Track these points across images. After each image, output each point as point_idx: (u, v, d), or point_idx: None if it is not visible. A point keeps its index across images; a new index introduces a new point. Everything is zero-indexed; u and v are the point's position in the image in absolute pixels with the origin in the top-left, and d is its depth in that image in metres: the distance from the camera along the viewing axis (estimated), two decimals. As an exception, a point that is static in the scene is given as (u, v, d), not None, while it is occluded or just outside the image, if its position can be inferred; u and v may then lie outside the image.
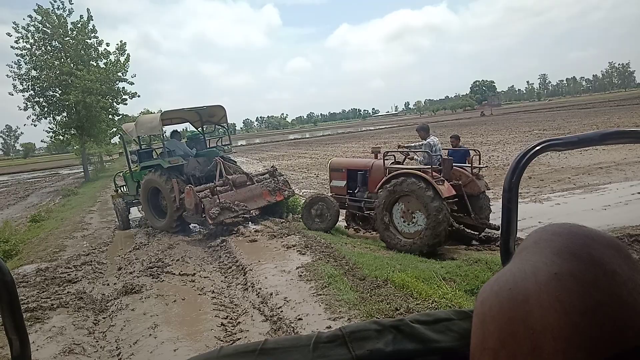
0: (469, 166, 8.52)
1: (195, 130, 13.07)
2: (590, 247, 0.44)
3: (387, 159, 8.99)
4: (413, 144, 9.19)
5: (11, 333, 0.66)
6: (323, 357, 0.54)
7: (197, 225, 10.63)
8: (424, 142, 8.61)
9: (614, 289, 0.40)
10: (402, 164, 8.99)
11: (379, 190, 8.32)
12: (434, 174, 7.84)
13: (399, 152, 9.43)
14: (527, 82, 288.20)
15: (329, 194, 9.85)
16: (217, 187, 9.79)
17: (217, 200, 9.38)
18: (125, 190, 12.81)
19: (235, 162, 12.01)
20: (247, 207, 9.81)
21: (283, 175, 11.34)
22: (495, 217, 9.53)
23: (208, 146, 12.49)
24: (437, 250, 8.20)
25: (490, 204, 10.58)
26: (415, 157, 9.13)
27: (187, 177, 10.90)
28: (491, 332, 0.44)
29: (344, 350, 0.55)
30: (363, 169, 9.39)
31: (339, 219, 9.68)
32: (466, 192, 8.31)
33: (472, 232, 8.29)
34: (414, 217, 7.99)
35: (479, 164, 8.83)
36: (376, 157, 9.29)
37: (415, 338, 0.56)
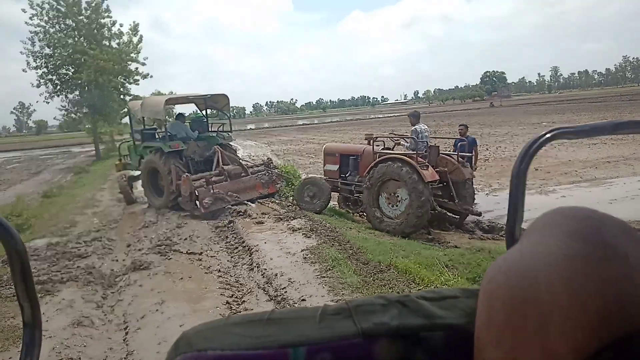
0: (455, 154, 8.87)
1: (199, 112, 13.31)
2: (603, 231, 0.44)
3: (377, 145, 9.42)
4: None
5: (23, 300, 0.67)
6: (329, 329, 0.55)
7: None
8: (412, 128, 8.97)
9: (625, 272, 0.40)
10: (392, 150, 9.39)
11: (367, 174, 8.71)
12: (419, 159, 8.19)
13: (389, 138, 9.99)
14: (539, 74, 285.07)
15: (323, 177, 10.26)
16: (213, 178, 10.14)
17: (211, 191, 9.73)
18: (128, 159, 13.26)
19: (235, 150, 12.27)
20: (239, 198, 10.12)
21: (277, 168, 11.62)
22: (502, 207, 9.59)
23: (210, 129, 12.74)
24: (438, 238, 8.32)
25: (495, 194, 10.73)
26: (404, 143, 9.48)
27: (186, 161, 11.23)
28: (498, 310, 0.45)
29: (350, 323, 0.55)
30: (355, 154, 9.80)
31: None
32: (452, 179, 8.65)
33: (453, 216, 8.63)
34: (399, 200, 8.38)
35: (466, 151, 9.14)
36: (369, 143, 9.57)
37: (421, 313, 0.56)
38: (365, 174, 8.87)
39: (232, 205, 9.82)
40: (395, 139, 9.92)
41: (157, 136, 12.26)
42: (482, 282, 0.49)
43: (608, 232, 0.43)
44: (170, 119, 14.63)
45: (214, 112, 13.10)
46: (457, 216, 8.64)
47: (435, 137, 9.75)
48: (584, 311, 0.39)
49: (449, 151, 9.26)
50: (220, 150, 11.09)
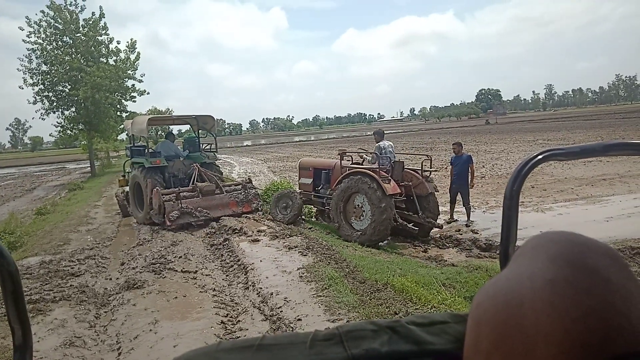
0: (419, 169, 9.27)
1: (192, 133, 13.82)
2: (586, 255, 0.45)
3: (347, 160, 10.08)
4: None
5: (14, 322, 0.67)
6: (319, 355, 0.55)
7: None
8: (376, 145, 9.51)
9: (607, 297, 0.41)
10: (361, 165, 9.90)
11: (335, 187, 9.21)
12: (383, 173, 8.59)
13: (356, 153, 10.76)
14: (533, 91, 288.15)
15: (298, 190, 10.82)
16: (182, 193, 10.51)
17: (179, 205, 10.17)
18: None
19: (218, 168, 12.71)
20: (209, 214, 10.46)
21: (255, 188, 12.05)
22: (498, 224, 9.58)
23: (200, 149, 13.15)
24: (435, 256, 8.28)
25: (492, 211, 10.76)
26: (366, 157, 10.14)
27: (169, 177, 11.73)
28: (485, 334, 0.45)
29: (340, 349, 0.56)
30: (327, 168, 10.38)
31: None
32: (416, 193, 9.06)
33: (413, 227, 8.84)
34: (363, 212, 8.79)
35: (430, 167, 9.59)
36: (342, 159, 10.02)
37: (411, 339, 0.57)
38: (333, 187, 9.34)
39: (204, 221, 10.26)
40: (362, 154, 10.55)
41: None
42: (471, 307, 0.50)
43: (592, 257, 0.45)
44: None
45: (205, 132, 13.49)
46: (416, 228, 8.87)
47: (399, 153, 10.28)
48: (567, 336, 0.40)
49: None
50: (199, 167, 11.51)
